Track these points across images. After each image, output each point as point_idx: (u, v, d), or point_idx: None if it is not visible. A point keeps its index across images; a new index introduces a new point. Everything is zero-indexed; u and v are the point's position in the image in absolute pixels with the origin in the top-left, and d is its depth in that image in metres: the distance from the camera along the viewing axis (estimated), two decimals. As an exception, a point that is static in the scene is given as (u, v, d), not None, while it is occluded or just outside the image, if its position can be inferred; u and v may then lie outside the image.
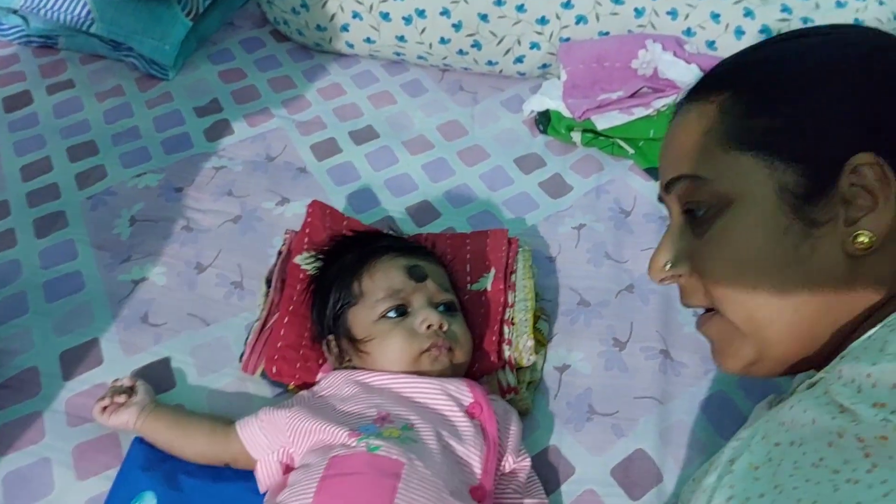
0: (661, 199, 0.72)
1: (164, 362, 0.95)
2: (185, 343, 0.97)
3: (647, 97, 1.25)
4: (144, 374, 0.94)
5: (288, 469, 0.81)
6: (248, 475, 0.82)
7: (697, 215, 0.65)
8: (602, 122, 1.23)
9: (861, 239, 0.56)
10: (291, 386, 0.91)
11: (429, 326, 0.83)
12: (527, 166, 1.25)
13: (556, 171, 1.24)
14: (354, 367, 0.87)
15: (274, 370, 0.90)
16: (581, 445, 0.88)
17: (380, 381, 0.81)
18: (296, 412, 0.80)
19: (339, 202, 1.17)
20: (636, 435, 0.89)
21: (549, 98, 1.29)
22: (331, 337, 0.89)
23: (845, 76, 0.60)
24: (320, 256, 0.96)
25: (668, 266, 0.68)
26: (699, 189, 0.64)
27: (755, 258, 0.61)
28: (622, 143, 1.24)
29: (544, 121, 1.30)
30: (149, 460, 0.84)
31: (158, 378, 0.93)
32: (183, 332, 0.99)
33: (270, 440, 0.80)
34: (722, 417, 0.90)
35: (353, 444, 0.72)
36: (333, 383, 0.84)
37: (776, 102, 0.61)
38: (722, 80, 0.66)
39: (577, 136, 1.26)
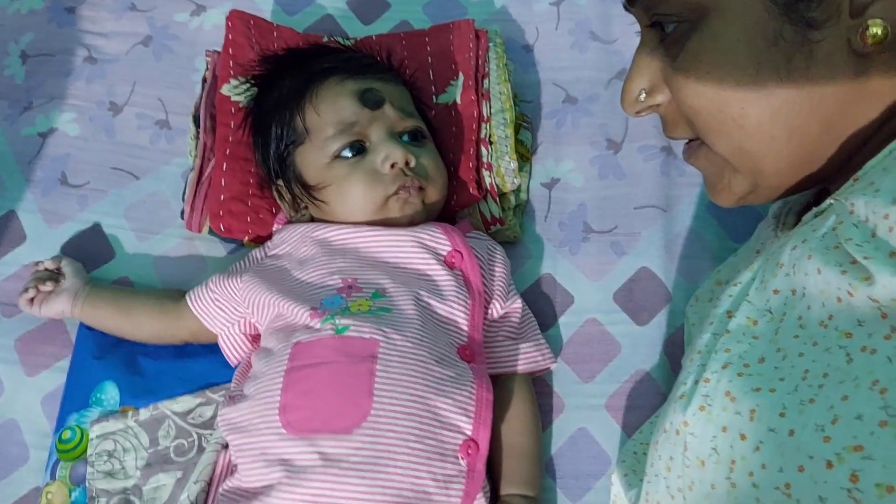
0: (627, 9, 0.58)
1: (96, 229, 0.83)
2: (115, 204, 0.84)
3: None
4: (76, 246, 0.82)
5: (255, 338, 0.73)
6: (213, 347, 0.74)
7: (667, 31, 0.53)
8: None
9: (873, 31, 0.45)
10: (246, 240, 0.80)
11: (393, 165, 0.69)
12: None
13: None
14: (312, 218, 0.75)
15: (222, 227, 0.78)
16: (578, 270, 0.79)
17: (342, 236, 0.70)
18: (249, 281, 0.69)
19: (265, 3, 0.97)
20: (639, 251, 0.79)
21: None
22: (280, 183, 0.75)
23: None
24: (251, 83, 0.79)
25: (643, 96, 0.56)
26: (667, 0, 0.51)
27: (740, 79, 0.49)
28: None
29: None
30: (101, 347, 0.76)
31: (92, 250, 0.82)
32: (110, 190, 0.85)
33: (228, 312, 0.71)
34: (735, 220, 0.80)
35: (318, 326, 0.62)
36: (288, 240, 0.73)
37: None
38: None
39: None
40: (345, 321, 0.62)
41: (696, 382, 0.50)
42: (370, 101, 0.71)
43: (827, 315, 0.45)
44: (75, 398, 0.73)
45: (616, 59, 0.91)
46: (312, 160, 0.71)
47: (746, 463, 0.44)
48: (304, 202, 0.74)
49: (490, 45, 0.86)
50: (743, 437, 0.45)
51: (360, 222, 0.70)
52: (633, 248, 0.80)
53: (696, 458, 0.47)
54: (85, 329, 0.76)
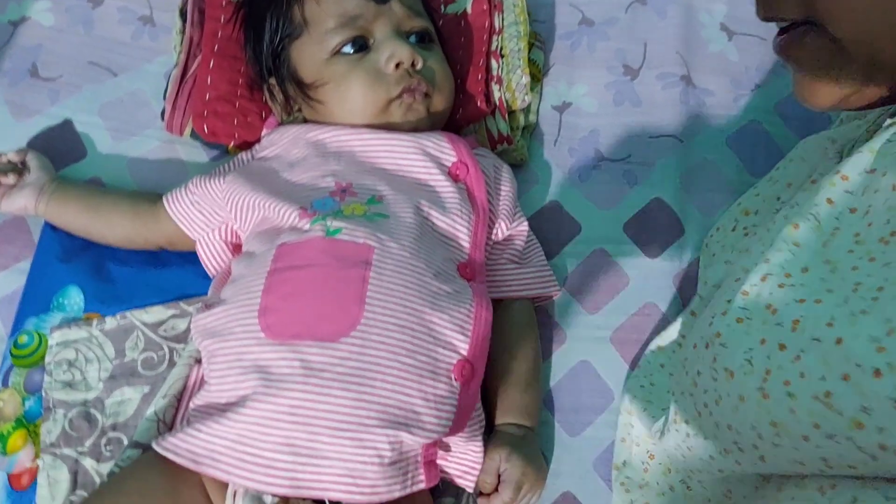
0: None
1: (67, 126, 0.76)
2: (90, 100, 0.77)
3: None
4: (45, 142, 0.75)
5: (236, 248, 0.67)
6: (191, 256, 0.68)
7: None
8: None
9: None
10: (231, 146, 0.73)
11: (398, 65, 0.63)
12: None
13: None
14: (305, 121, 0.69)
15: (206, 129, 0.71)
16: (587, 198, 0.74)
17: (337, 138, 0.64)
18: (232, 182, 0.63)
19: None
20: (652, 182, 0.74)
21: None
22: (272, 81, 0.69)
23: None
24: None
25: None
26: None
27: None
28: None
29: None
30: (66, 249, 0.69)
31: (62, 147, 0.75)
32: (85, 86, 0.78)
33: (208, 216, 0.65)
34: (755, 153, 0.75)
35: (306, 227, 0.57)
36: (279, 142, 0.67)
37: None
38: None
39: None
40: (337, 223, 0.56)
41: (734, 295, 0.45)
42: None
43: (890, 231, 0.41)
44: (35, 301, 0.67)
45: (637, -18, 0.85)
46: (310, 55, 0.65)
47: (783, 372, 0.40)
48: (298, 103, 0.68)
49: (505, -48, 0.80)
50: (782, 346, 0.40)
51: (359, 125, 0.64)
52: (646, 178, 0.74)
53: (725, 369, 0.43)
54: (50, 229, 0.70)
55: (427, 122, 0.66)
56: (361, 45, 0.64)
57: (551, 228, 0.72)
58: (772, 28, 0.50)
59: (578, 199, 0.74)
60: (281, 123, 0.70)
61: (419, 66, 0.64)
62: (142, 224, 0.67)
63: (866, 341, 0.37)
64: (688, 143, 0.76)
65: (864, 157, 0.46)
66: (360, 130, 0.64)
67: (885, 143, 0.45)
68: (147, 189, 0.73)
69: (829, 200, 0.46)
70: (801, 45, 0.49)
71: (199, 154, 0.75)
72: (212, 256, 0.66)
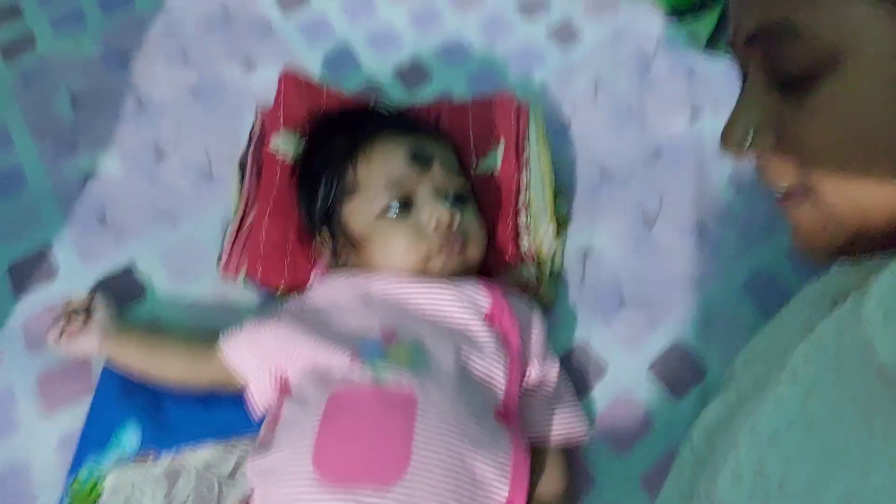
0: (729, 49, 0.57)
1: (130, 270, 0.83)
2: (151, 245, 0.84)
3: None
4: (107, 284, 0.81)
5: (284, 388, 0.71)
6: (241, 397, 0.73)
7: (790, 77, 0.51)
8: (618, -49, 1.04)
9: None
10: (280, 290, 0.79)
11: (438, 223, 0.70)
12: (529, 8, 1.07)
13: (563, 13, 1.06)
14: (352, 268, 0.75)
15: (259, 274, 0.78)
16: (612, 340, 0.79)
17: (383, 288, 0.70)
18: (286, 327, 0.69)
19: (313, 65, 1.00)
20: (674, 325, 0.79)
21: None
22: (324, 233, 0.76)
23: None
24: (301, 137, 0.81)
25: (750, 137, 0.55)
26: (797, 44, 0.50)
27: (871, 132, 0.48)
28: (640, -23, 1.06)
29: (547, -48, 1.10)
30: (125, 387, 0.74)
31: (124, 288, 0.81)
32: (148, 232, 0.85)
33: (261, 360, 0.70)
34: (769, 299, 0.80)
35: (356, 375, 0.62)
36: (328, 289, 0.73)
37: None
38: None
39: (587, -29, 1.07)
40: (384, 371, 0.61)
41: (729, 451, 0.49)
42: (420, 160, 0.73)
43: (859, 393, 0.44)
44: (94, 438, 0.71)
45: (652, 140, 0.93)
46: (359, 213, 0.72)
47: None
48: (346, 252, 0.74)
49: (530, 115, 0.88)
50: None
51: (401, 273, 0.71)
52: (667, 322, 0.79)
53: None
54: (108, 370, 0.75)
55: (462, 270, 0.73)
56: (406, 205, 0.71)
57: (580, 369, 0.77)
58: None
59: (603, 340, 0.78)
60: (329, 269, 0.76)
61: (456, 224, 0.71)
62: (197, 367, 0.72)
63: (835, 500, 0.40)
64: (705, 289, 0.81)
65: (832, 324, 0.49)
66: (403, 279, 0.70)
67: (848, 312, 0.49)
68: (202, 329, 0.78)
69: (807, 357, 0.49)
70: (797, 207, 0.55)
71: (250, 297, 0.81)
72: (261, 399, 0.71)
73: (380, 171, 0.72)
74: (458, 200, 0.74)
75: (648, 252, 0.84)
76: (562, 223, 0.85)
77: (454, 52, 1.02)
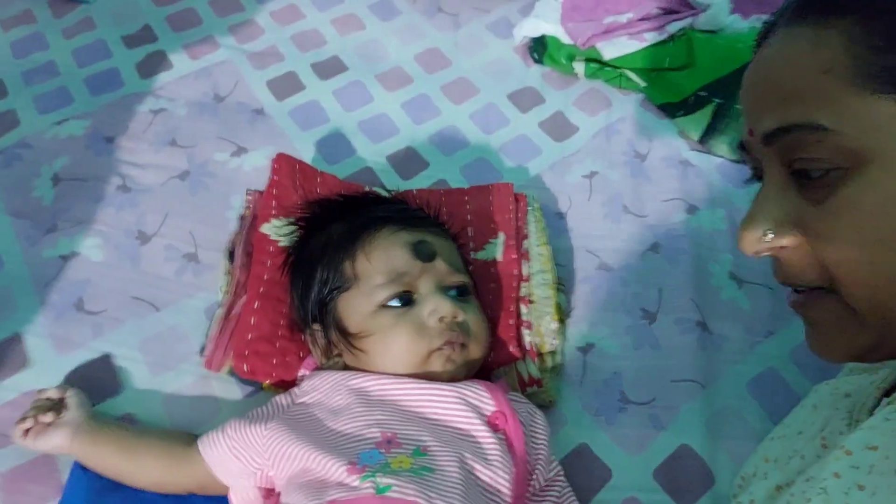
0: (742, 150, 0.57)
1: (107, 360, 0.78)
2: (131, 334, 0.80)
3: (660, 20, 1.08)
4: (83, 376, 0.76)
5: (269, 494, 0.66)
6: (220, 500, 0.67)
7: (813, 176, 0.51)
8: (609, 49, 1.06)
9: None
10: (266, 384, 0.75)
11: (441, 319, 0.67)
12: (523, 103, 1.08)
13: (557, 108, 1.07)
14: (346, 367, 0.71)
15: (245, 368, 0.73)
16: (616, 443, 0.75)
17: (380, 388, 0.66)
18: (275, 430, 0.64)
19: (306, 151, 0.99)
20: (679, 427, 0.76)
21: (545, 21, 1.11)
22: (316, 327, 0.72)
23: None
24: (298, 225, 0.78)
25: (770, 236, 0.54)
26: (820, 144, 0.49)
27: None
28: (631, 75, 1.07)
29: (539, 48, 1.12)
30: (94, 490, 0.68)
31: (100, 380, 0.76)
32: (128, 320, 0.81)
33: (245, 463, 0.65)
34: (775, 401, 0.78)
35: (356, 484, 0.57)
36: (320, 387, 0.68)
37: None
38: None
39: (579, 67, 1.09)
40: (386, 480, 0.56)
41: None
42: (423, 254, 0.70)
43: None
44: (60, 546, 0.65)
45: (649, 233, 0.92)
46: (357, 307, 0.69)
47: None
48: (340, 349, 0.71)
49: (529, 208, 0.87)
50: None
51: (400, 374, 0.67)
52: (672, 423, 0.76)
53: None
54: (79, 469, 0.69)
55: (463, 370, 0.69)
56: (407, 299, 0.68)
57: (582, 473, 0.73)
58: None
59: (607, 442, 0.75)
60: (320, 367, 0.72)
61: (460, 319, 0.68)
62: (175, 468, 0.67)
63: None
64: (710, 389, 0.79)
65: (864, 434, 0.47)
66: (402, 379, 0.66)
67: (883, 420, 0.47)
68: (181, 425, 0.73)
69: (837, 475, 0.47)
70: (816, 306, 0.53)
71: (233, 391, 0.77)
72: (244, 503, 0.66)
73: (380, 263, 0.69)
74: (461, 295, 0.71)
75: (649, 349, 0.82)
76: (561, 318, 0.83)
77: (449, 141, 1.02)
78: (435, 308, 0.67)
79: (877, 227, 0.49)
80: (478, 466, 0.61)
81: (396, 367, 0.67)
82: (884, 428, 0.47)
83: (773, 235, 0.54)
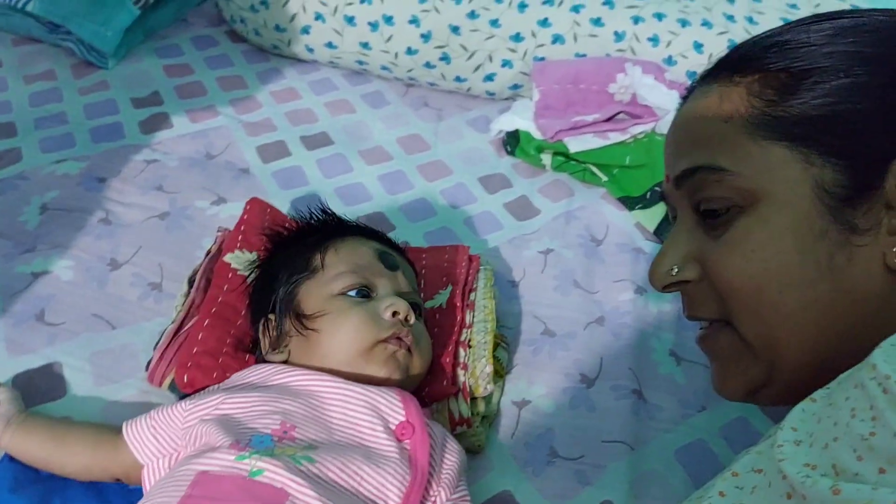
0: (662, 197, 0.63)
1: (55, 367, 0.80)
2: (83, 347, 0.83)
3: (624, 123, 1.17)
4: (29, 378, 0.79)
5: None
6: (137, 494, 0.68)
7: (715, 214, 0.56)
8: (575, 144, 1.14)
9: None
10: (204, 396, 0.77)
11: (395, 314, 0.70)
12: (492, 186, 1.15)
13: (523, 192, 1.14)
14: (284, 362, 0.73)
15: (185, 379, 0.75)
16: (539, 492, 0.75)
17: (300, 380, 0.68)
18: (190, 409, 0.67)
19: (281, 206, 1.05)
20: (603, 484, 0.76)
21: (520, 117, 1.20)
22: (272, 316, 0.75)
23: (891, 63, 0.52)
24: (259, 257, 0.83)
25: (676, 270, 0.58)
26: (719, 183, 0.55)
27: (783, 266, 0.52)
28: (595, 170, 1.15)
29: (513, 142, 1.21)
30: (18, 480, 0.69)
31: (44, 385, 0.78)
32: (83, 334, 0.84)
33: (162, 443, 0.67)
34: (701, 469, 0.79)
35: (230, 461, 0.58)
36: (247, 376, 0.71)
37: (814, 88, 0.52)
38: (749, 59, 0.57)
39: (546, 159, 1.17)
40: (262, 464, 0.57)
41: None
42: (388, 262, 0.76)
43: None
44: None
45: (596, 308, 0.96)
46: (317, 291, 0.73)
47: None
48: (289, 339, 0.73)
49: (481, 268, 0.92)
50: None
51: (332, 368, 0.69)
52: (598, 480, 0.77)
53: None
54: (7, 460, 0.70)
55: (398, 381, 0.70)
56: (365, 294, 0.73)
57: (501, 519, 0.73)
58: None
59: (531, 492, 0.75)
60: (258, 361, 0.75)
61: (412, 321, 0.72)
62: (102, 453, 0.68)
63: None
64: (638, 451, 0.80)
65: (752, 459, 0.49)
66: (323, 375, 0.68)
67: (770, 447, 0.49)
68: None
69: (722, 494, 0.49)
70: (715, 339, 0.57)
71: (172, 402, 0.78)
72: (152, 484, 0.66)
73: (347, 256, 0.74)
74: (415, 309, 0.74)
75: (584, 409, 0.84)
76: (500, 372, 0.85)
77: (416, 211, 1.08)
78: (392, 303, 0.71)
79: (765, 259, 0.53)
80: (365, 470, 0.60)
81: (340, 352, 0.69)
82: (770, 454, 0.50)
83: (678, 270, 0.59)
